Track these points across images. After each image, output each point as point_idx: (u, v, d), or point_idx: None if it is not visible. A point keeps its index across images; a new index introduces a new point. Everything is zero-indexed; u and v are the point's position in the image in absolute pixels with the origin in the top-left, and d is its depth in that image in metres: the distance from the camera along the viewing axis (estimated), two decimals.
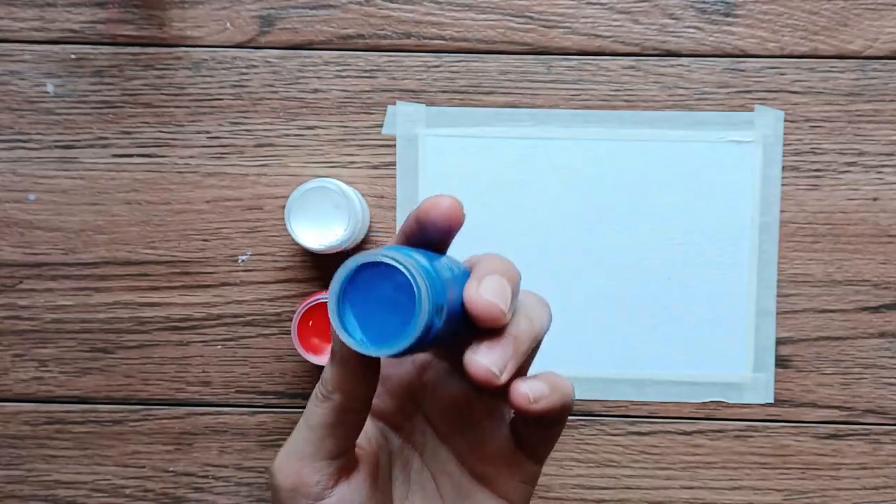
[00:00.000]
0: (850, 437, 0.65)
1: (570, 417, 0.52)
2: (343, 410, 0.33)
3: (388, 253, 0.30)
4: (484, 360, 0.30)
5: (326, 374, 0.34)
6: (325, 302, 0.59)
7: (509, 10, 0.64)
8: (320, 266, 0.65)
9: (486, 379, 0.30)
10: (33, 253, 0.66)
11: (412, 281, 0.30)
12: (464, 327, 0.32)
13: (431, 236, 0.34)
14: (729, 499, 0.65)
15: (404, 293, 0.30)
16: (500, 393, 0.33)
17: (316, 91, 0.64)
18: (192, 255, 0.65)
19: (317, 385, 0.34)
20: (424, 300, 0.29)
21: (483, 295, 0.31)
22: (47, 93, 0.65)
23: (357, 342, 0.30)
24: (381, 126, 0.65)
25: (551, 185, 0.64)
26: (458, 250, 0.68)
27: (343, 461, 0.34)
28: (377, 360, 0.34)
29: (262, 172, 0.65)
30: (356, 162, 0.65)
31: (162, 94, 0.65)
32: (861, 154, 0.64)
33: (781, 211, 0.64)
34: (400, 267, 0.30)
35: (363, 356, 0.32)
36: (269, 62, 0.64)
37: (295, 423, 0.66)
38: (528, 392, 0.31)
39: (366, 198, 0.65)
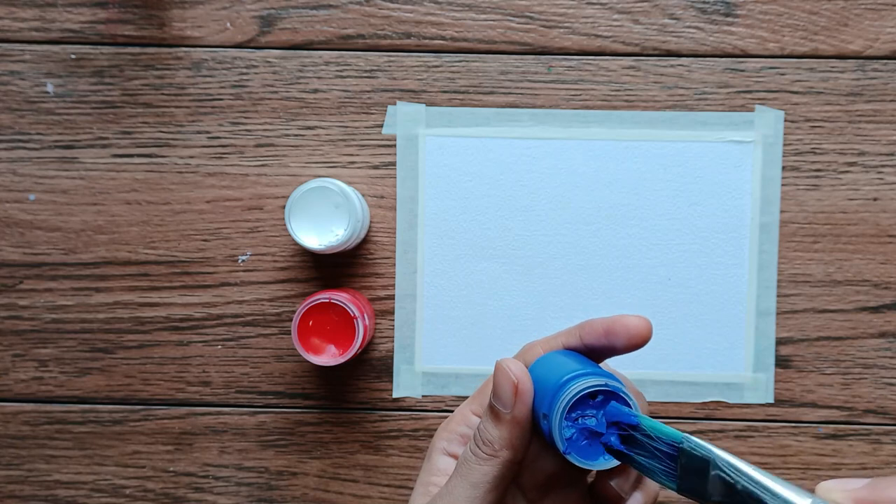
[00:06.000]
0: (850, 437, 0.65)
1: None
2: (511, 465, 0.38)
3: (614, 382, 0.37)
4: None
5: (492, 435, 0.38)
6: (325, 302, 0.59)
7: (509, 10, 0.64)
8: (320, 266, 0.65)
9: None
10: (33, 253, 0.66)
11: (641, 421, 0.36)
12: None
13: (610, 351, 0.40)
14: None
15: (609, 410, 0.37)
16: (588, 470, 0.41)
17: (316, 91, 0.64)
18: (192, 255, 0.65)
19: (471, 446, 0.39)
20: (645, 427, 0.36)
21: None
22: (47, 93, 0.65)
23: (575, 455, 0.37)
24: (381, 126, 0.65)
25: (551, 185, 0.64)
26: (458, 252, 0.68)
27: None
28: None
29: (262, 172, 0.65)
30: (356, 162, 0.65)
31: (162, 94, 0.65)
32: (861, 154, 0.64)
33: (781, 211, 0.64)
34: (629, 401, 0.37)
35: (533, 419, 0.38)
36: (269, 62, 0.64)
37: (295, 422, 0.66)
38: None
39: (366, 198, 0.65)
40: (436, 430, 0.65)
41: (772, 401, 0.65)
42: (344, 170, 0.65)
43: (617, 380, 0.37)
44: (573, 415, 0.37)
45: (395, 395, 0.66)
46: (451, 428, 0.43)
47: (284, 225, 0.64)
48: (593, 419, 0.37)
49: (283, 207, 0.64)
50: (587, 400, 0.37)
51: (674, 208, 0.64)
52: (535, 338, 0.41)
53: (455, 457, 0.42)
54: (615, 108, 0.64)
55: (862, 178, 0.64)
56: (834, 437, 0.65)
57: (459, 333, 0.65)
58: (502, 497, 0.39)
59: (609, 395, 0.37)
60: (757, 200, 0.64)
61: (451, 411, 0.65)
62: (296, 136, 0.65)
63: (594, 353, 0.41)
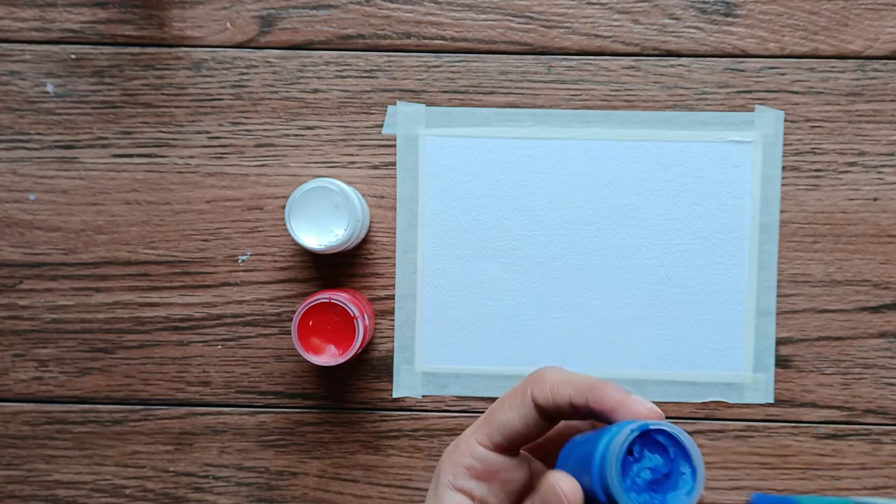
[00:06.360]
0: (850, 437, 0.65)
1: None
2: None
3: (643, 422, 0.35)
4: None
5: None
6: (325, 302, 0.59)
7: (509, 10, 0.64)
8: (320, 266, 0.65)
9: None
10: (33, 253, 0.66)
11: (694, 458, 0.35)
12: None
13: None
14: (729, 499, 0.65)
15: (667, 461, 0.36)
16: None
17: (316, 91, 0.65)
18: (192, 255, 0.65)
19: None
20: (701, 476, 0.35)
21: None
22: (47, 93, 0.65)
23: None
24: (381, 126, 0.65)
25: (551, 185, 0.64)
26: (458, 252, 0.68)
27: None
28: None
29: (262, 172, 0.65)
30: (356, 162, 0.65)
31: (162, 94, 0.65)
32: (861, 154, 0.64)
33: (781, 211, 0.64)
34: (684, 440, 0.35)
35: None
36: (269, 62, 0.64)
37: (295, 422, 0.66)
38: None
39: (366, 198, 0.65)
40: (436, 430, 0.65)
41: (772, 401, 0.65)
42: (344, 170, 0.65)
43: (643, 422, 0.36)
44: (627, 481, 0.36)
45: (395, 395, 0.66)
46: (455, 460, 0.41)
47: (284, 225, 0.64)
48: (648, 471, 0.36)
49: (283, 207, 0.64)
50: (628, 457, 0.36)
51: (674, 208, 0.64)
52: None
53: (462, 491, 0.41)
54: (615, 108, 0.64)
55: (862, 178, 0.64)
56: (834, 437, 0.65)
57: (459, 333, 0.65)
58: None
59: (645, 439, 0.36)
60: (757, 200, 0.64)
61: (452, 411, 0.65)
62: (296, 136, 0.65)
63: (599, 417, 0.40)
